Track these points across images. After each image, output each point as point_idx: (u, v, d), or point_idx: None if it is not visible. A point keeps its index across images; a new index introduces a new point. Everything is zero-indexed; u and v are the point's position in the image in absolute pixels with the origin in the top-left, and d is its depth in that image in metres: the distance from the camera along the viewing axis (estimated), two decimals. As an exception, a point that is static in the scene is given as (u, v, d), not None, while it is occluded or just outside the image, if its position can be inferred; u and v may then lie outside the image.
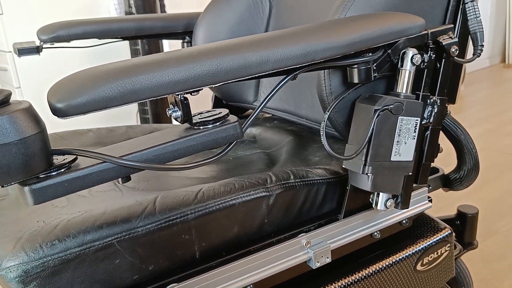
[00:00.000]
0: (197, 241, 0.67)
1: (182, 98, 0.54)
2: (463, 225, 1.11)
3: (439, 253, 0.91)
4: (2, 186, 0.45)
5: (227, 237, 0.70)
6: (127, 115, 2.30)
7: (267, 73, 0.58)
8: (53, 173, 0.47)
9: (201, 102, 2.37)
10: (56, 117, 0.44)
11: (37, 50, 1.03)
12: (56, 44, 1.05)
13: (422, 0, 0.79)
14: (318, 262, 0.75)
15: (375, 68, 0.70)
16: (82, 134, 1.06)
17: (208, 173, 0.87)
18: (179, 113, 0.55)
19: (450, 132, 0.90)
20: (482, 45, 0.81)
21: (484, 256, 1.51)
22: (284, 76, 0.63)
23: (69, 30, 1.04)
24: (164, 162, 0.53)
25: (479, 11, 0.81)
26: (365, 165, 0.71)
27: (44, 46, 1.05)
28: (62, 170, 0.48)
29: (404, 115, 0.71)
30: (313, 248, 0.75)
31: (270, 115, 1.21)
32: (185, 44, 1.21)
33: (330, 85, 0.73)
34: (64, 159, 0.49)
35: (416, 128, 0.73)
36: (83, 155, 0.49)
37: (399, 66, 0.73)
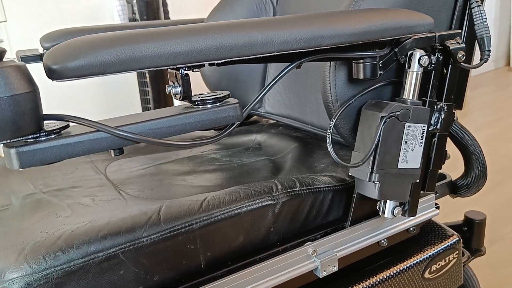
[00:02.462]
0: (202, 250, 0.66)
1: (183, 73, 0.53)
2: (471, 232, 1.10)
3: (447, 261, 0.90)
4: None
5: (232, 246, 0.69)
6: (130, 106, 2.30)
7: (272, 54, 0.56)
8: (42, 138, 0.46)
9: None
10: (50, 79, 0.43)
11: (40, 57, 1.02)
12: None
13: (428, 4, 0.79)
14: (325, 271, 0.74)
15: (381, 65, 0.69)
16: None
17: (212, 181, 0.86)
18: (178, 89, 0.54)
19: (457, 138, 0.89)
20: (490, 50, 0.80)
21: (491, 262, 1.50)
22: (289, 63, 0.62)
23: (72, 37, 1.04)
24: (160, 137, 0.51)
25: (485, 15, 0.80)
26: (371, 172, 0.70)
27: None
28: (52, 136, 0.46)
29: (411, 121, 0.70)
30: (319, 257, 0.74)
31: (275, 121, 1.20)
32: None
33: (335, 92, 0.72)
34: (56, 125, 0.48)
35: (423, 135, 0.72)
36: (76, 122, 0.48)
37: (406, 67, 0.72)
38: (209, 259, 0.67)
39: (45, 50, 1.05)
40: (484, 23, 0.80)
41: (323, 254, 0.74)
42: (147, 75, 2.09)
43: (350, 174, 0.75)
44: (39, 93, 0.46)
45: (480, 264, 1.48)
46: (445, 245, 0.89)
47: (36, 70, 0.48)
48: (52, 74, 0.43)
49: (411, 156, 0.72)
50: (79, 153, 0.47)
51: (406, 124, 0.70)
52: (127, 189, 0.81)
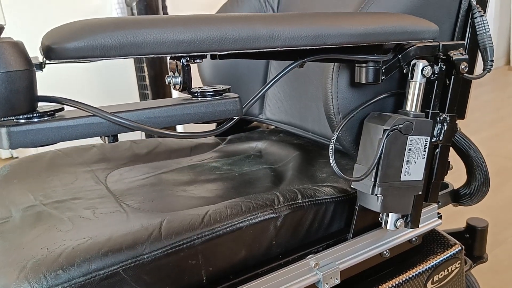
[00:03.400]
0: (204, 265, 0.66)
1: (184, 63, 0.52)
2: (473, 239, 1.09)
3: (449, 270, 0.89)
4: None
5: (234, 260, 0.69)
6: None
7: (276, 50, 0.55)
8: (35, 120, 0.45)
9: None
10: (48, 60, 0.43)
11: (40, 66, 1.02)
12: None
13: (431, 14, 0.78)
14: (327, 283, 0.73)
15: (383, 70, 0.68)
16: (85, 150, 1.05)
17: (214, 191, 0.86)
18: (179, 79, 0.53)
19: (459, 148, 0.89)
20: (492, 60, 0.80)
21: (493, 266, 1.49)
22: (292, 62, 0.61)
23: (72, 45, 1.03)
24: (157, 127, 0.50)
25: (488, 25, 0.80)
26: (374, 186, 0.69)
27: (47, 62, 1.04)
28: (45, 117, 0.45)
29: (414, 134, 0.70)
30: (322, 269, 0.73)
31: (275, 127, 1.20)
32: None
33: (338, 104, 0.72)
34: (50, 107, 0.47)
35: (426, 147, 0.72)
36: (72, 105, 0.47)
37: (409, 78, 0.71)
38: (210, 274, 0.67)
39: (44, 58, 1.04)
40: (487, 33, 0.79)
41: (325, 267, 0.74)
42: (146, 70, 2.09)
43: (352, 187, 0.74)
44: (35, 73, 0.45)
45: (481, 268, 1.47)
46: (448, 255, 0.89)
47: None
48: (50, 53, 0.42)
49: (413, 169, 0.71)
50: (72, 137, 0.46)
51: (409, 136, 0.69)
52: (128, 200, 0.80)
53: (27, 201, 0.82)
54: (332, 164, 0.66)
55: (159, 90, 2.14)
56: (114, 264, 0.59)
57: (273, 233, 0.72)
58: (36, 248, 0.63)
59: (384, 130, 0.67)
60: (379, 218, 0.77)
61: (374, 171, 0.69)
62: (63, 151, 1.03)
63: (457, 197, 0.95)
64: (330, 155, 0.67)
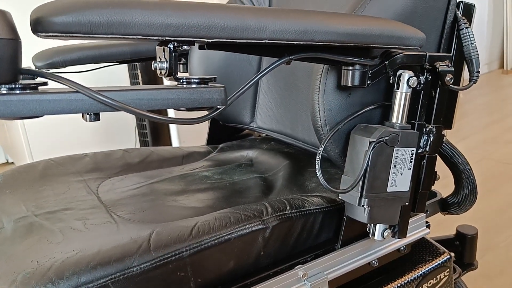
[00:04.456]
0: (193, 277, 0.67)
1: (171, 48, 0.52)
2: (463, 246, 1.10)
3: (438, 279, 0.90)
4: None
5: (223, 271, 0.70)
6: (125, 126, 2.31)
7: (264, 42, 0.55)
8: (17, 91, 0.45)
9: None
10: (35, 34, 0.43)
11: (32, 77, 1.03)
12: (51, 71, 1.04)
13: (418, 26, 0.79)
14: (315, 293, 0.74)
15: (370, 75, 0.69)
16: (78, 160, 1.05)
17: (204, 201, 0.86)
18: (165, 65, 0.53)
19: (447, 157, 0.90)
20: (478, 71, 0.81)
21: (484, 272, 1.51)
22: (278, 58, 0.62)
23: (65, 56, 1.04)
24: (140, 109, 0.50)
25: (474, 37, 0.81)
26: (361, 197, 0.70)
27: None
28: (27, 90, 0.45)
29: (399, 146, 0.71)
30: (310, 279, 0.74)
31: (266, 135, 1.21)
32: (181, 66, 1.21)
33: (324, 116, 0.73)
34: (34, 81, 0.48)
35: (412, 158, 0.73)
36: (55, 80, 0.47)
37: (395, 88, 0.72)
38: (199, 285, 0.68)
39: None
40: (473, 45, 0.81)
41: (313, 277, 0.75)
42: (140, 77, 2.10)
43: (339, 198, 0.75)
44: (20, 45, 0.45)
45: (473, 274, 1.49)
46: (437, 263, 0.90)
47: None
48: (37, 26, 0.42)
49: (400, 180, 0.72)
50: (54, 111, 0.46)
51: (395, 148, 0.70)
52: (119, 211, 0.81)
53: (19, 212, 0.82)
54: (319, 177, 0.67)
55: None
56: (103, 277, 0.60)
57: (262, 244, 0.72)
58: (26, 260, 0.64)
59: (370, 142, 0.68)
60: (367, 229, 0.78)
61: (360, 182, 0.70)
62: (56, 161, 1.04)
63: (446, 206, 0.96)
64: (316, 167, 0.68)
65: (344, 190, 0.70)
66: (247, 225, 0.71)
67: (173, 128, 2.26)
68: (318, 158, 0.69)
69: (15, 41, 0.44)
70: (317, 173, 0.67)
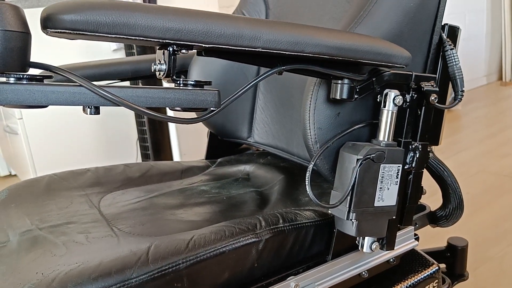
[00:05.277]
0: (189, 288, 0.70)
1: (171, 51, 0.55)
2: (454, 257, 1.14)
3: (427, 290, 0.94)
4: None
5: (218, 282, 0.73)
6: (126, 138, 2.34)
7: (257, 51, 0.59)
8: (24, 81, 0.49)
9: (198, 135, 2.41)
10: (44, 31, 0.46)
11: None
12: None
13: (404, 48, 0.83)
14: (307, 304, 0.78)
15: (357, 89, 0.73)
16: (80, 174, 1.09)
17: (201, 215, 0.90)
18: (164, 66, 0.56)
19: (434, 172, 0.94)
20: (463, 91, 0.85)
21: (478, 284, 1.53)
22: (270, 68, 0.65)
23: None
24: (139, 105, 0.54)
25: (458, 58, 0.85)
26: (349, 211, 0.74)
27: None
28: (34, 81, 0.49)
29: (386, 162, 0.74)
30: (302, 290, 0.77)
31: (263, 150, 1.25)
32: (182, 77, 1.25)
33: (315, 135, 0.77)
34: (41, 73, 0.52)
35: (398, 174, 0.76)
36: (61, 74, 0.51)
37: (382, 106, 0.76)
38: (195, 296, 0.71)
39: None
40: (457, 66, 0.85)
41: (305, 288, 0.78)
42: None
43: (329, 212, 0.79)
44: (30, 39, 0.49)
45: (467, 285, 1.52)
46: (425, 274, 0.93)
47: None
48: (47, 23, 0.46)
49: (387, 195, 0.76)
50: (58, 102, 0.50)
51: (382, 165, 0.74)
52: (120, 224, 0.85)
53: (24, 226, 0.86)
54: (308, 193, 0.71)
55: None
56: (104, 288, 0.63)
57: (255, 256, 0.76)
58: (31, 272, 0.68)
59: (357, 160, 0.72)
60: (356, 241, 0.81)
61: (348, 197, 0.73)
62: (59, 175, 1.08)
63: (434, 219, 1.00)
64: (306, 183, 0.72)
65: (333, 205, 0.74)
66: (241, 238, 0.74)
67: (174, 140, 2.30)
68: (308, 174, 0.72)
69: (25, 34, 0.49)
70: (307, 188, 0.71)
